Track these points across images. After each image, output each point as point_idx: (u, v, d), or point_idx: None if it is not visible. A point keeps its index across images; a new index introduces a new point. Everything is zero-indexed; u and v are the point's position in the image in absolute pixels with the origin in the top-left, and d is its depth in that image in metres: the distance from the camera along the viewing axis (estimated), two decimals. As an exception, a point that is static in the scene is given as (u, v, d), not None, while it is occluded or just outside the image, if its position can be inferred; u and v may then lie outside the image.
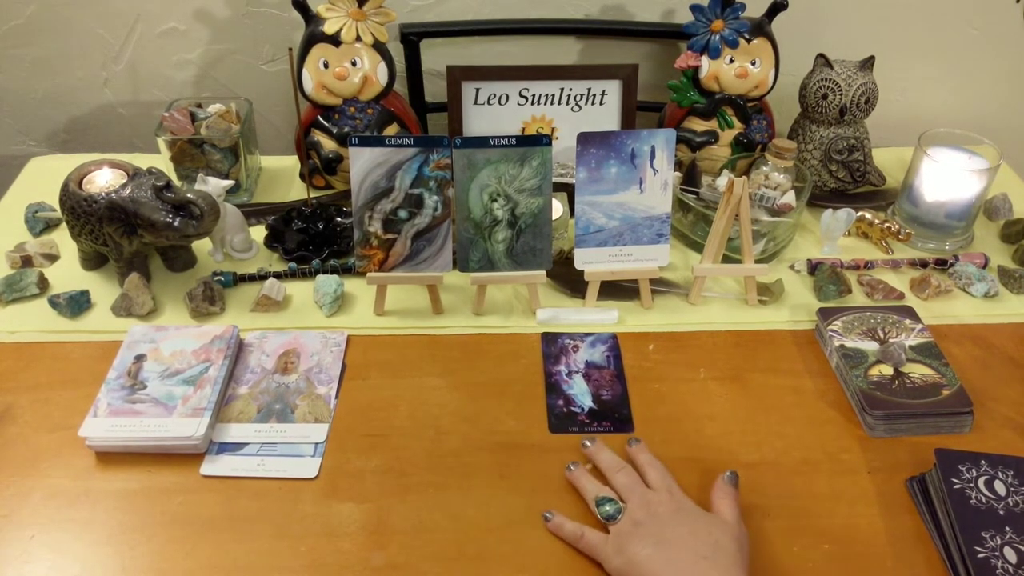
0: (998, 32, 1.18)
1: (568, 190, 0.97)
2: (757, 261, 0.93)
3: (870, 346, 0.84)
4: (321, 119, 1.04)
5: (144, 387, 0.78)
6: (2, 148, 1.25)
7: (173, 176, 1.04)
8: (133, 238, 0.87)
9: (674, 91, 1.07)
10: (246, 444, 0.76)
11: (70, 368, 0.83)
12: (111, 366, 0.80)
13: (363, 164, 0.84)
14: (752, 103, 1.07)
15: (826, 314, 0.88)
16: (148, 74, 1.17)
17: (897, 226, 1.00)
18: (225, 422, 0.77)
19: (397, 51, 1.07)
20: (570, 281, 0.93)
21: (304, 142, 1.04)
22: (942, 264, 0.98)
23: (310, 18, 1.00)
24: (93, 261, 0.95)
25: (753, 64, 1.04)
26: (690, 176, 1.05)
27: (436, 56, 1.14)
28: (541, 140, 0.84)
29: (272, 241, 0.98)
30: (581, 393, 0.82)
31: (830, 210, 0.99)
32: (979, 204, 1.00)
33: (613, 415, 0.80)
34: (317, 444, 0.76)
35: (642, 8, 1.13)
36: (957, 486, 0.68)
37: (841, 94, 1.02)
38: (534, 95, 1.07)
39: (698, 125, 1.08)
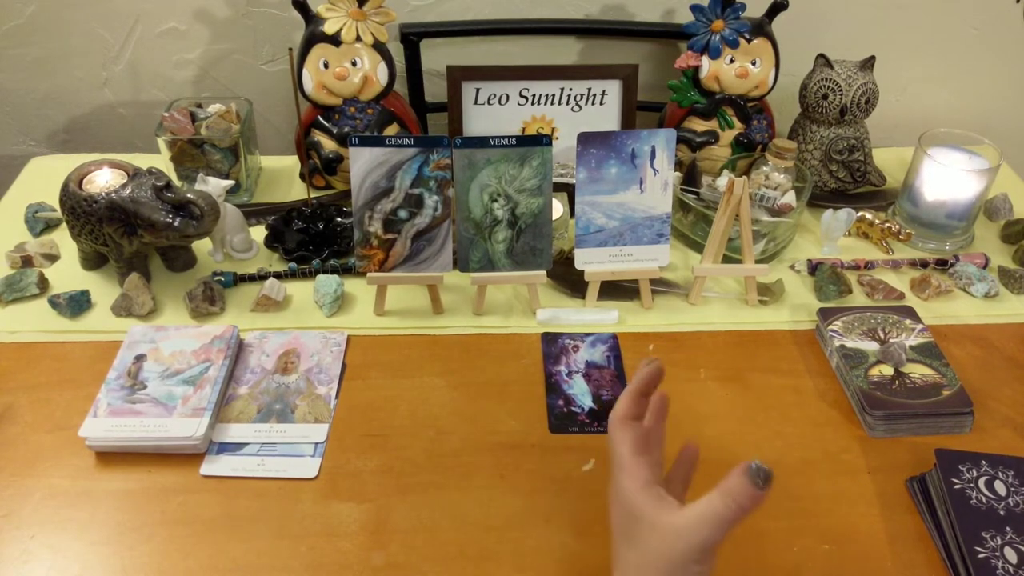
0: (998, 32, 1.18)
1: (568, 190, 0.97)
2: (757, 261, 0.93)
3: (870, 346, 0.84)
4: (321, 119, 1.04)
5: (144, 387, 0.78)
6: (2, 148, 1.25)
7: (173, 176, 1.04)
8: (133, 238, 0.87)
9: (674, 91, 1.07)
10: (246, 444, 0.76)
11: (70, 368, 0.83)
12: (111, 366, 0.80)
13: (363, 164, 0.84)
14: (752, 103, 1.07)
15: (826, 314, 0.88)
16: (148, 74, 1.17)
17: (897, 226, 1.00)
18: (225, 422, 0.77)
19: (397, 51, 1.07)
20: (570, 281, 0.92)
21: (304, 142, 1.04)
22: (942, 264, 0.98)
23: (310, 18, 1.00)
24: (93, 261, 0.95)
25: (753, 64, 1.04)
26: (690, 176, 1.05)
27: (436, 56, 1.14)
28: (541, 140, 0.84)
29: (272, 241, 0.98)
30: (581, 393, 0.82)
31: (830, 210, 0.99)
32: (979, 204, 1.00)
33: (613, 415, 0.80)
34: (317, 444, 0.76)
35: (642, 8, 1.13)
36: (957, 486, 0.68)
37: (841, 94, 1.02)
38: (534, 95, 1.06)
39: (698, 125, 1.08)
